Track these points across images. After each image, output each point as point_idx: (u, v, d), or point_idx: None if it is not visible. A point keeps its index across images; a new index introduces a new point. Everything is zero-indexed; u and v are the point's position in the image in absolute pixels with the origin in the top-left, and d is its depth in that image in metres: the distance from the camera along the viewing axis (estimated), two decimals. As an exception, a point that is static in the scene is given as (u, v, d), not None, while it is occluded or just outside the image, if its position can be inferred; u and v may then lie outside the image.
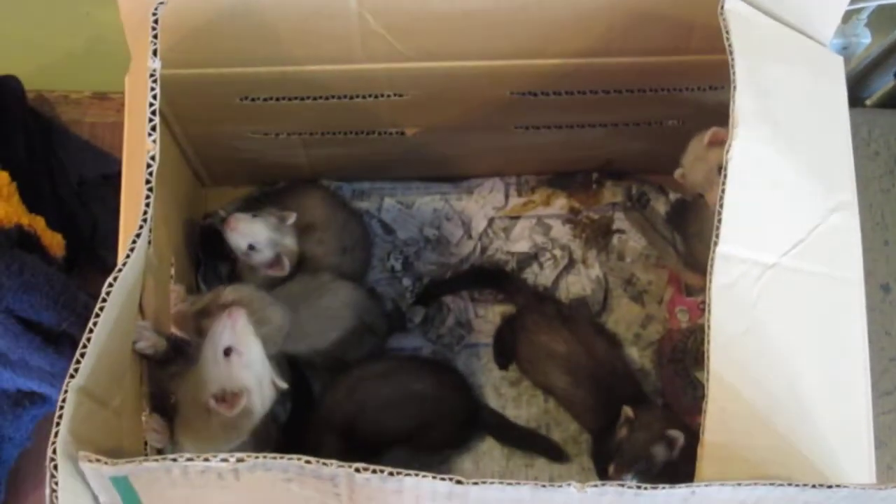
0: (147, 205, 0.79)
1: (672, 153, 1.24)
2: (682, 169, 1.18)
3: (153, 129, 0.81)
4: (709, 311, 0.87)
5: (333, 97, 1.14)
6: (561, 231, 1.50)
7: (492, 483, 0.76)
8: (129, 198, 0.98)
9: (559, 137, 1.32)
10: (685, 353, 1.45)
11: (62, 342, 1.21)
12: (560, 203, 1.51)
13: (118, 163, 1.42)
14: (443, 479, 0.75)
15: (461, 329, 1.44)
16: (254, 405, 1.03)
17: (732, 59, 0.88)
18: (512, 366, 1.43)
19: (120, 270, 0.78)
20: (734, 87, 0.88)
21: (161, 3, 0.84)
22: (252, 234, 1.21)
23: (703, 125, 1.17)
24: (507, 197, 1.52)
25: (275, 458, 0.75)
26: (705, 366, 0.87)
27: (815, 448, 0.91)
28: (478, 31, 1.04)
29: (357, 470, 0.75)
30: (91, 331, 0.77)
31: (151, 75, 0.81)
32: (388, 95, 1.15)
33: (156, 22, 0.83)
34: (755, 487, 0.77)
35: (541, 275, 1.48)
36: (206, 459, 0.75)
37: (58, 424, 0.75)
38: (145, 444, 0.99)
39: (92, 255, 1.39)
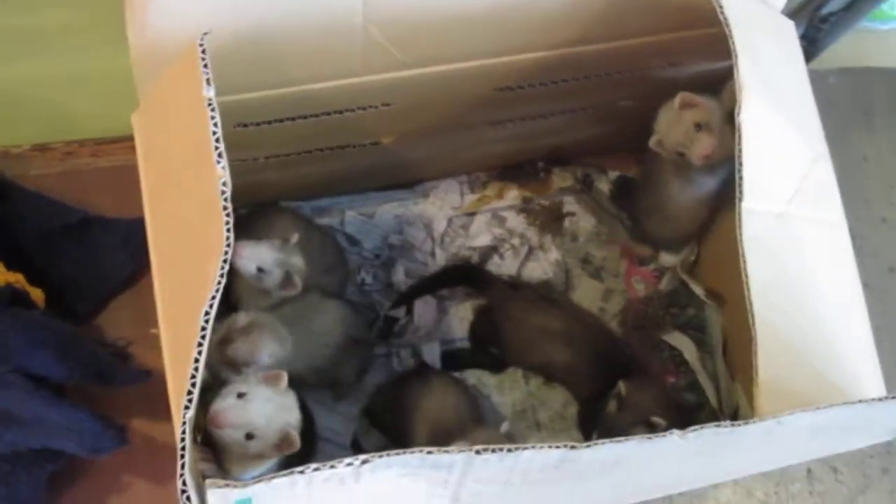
0: (228, 229, 0.80)
1: (617, 133, 1.31)
2: (657, 136, 1.25)
3: (220, 156, 0.82)
4: (744, 262, 0.95)
5: (326, 113, 1.15)
6: (516, 221, 1.56)
7: (602, 444, 0.80)
8: (157, 237, 0.97)
9: (520, 129, 1.37)
10: (646, 319, 1.54)
11: (72, 395, 1.18)
12: (512, 195, 1.58)
13: (78, 212, 1.41)
14: (557, 447, 0.80)
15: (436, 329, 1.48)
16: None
17: (730, 31, 0.96)
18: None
19: (213, 298, 0.79)
20: (735, 56, 0.95)
21: (206, 33, 0.84)
22: (259, 257, 1.20)
23: (655, 101, 1.25)
24: (461, 195, 1.57)
25: (397, 453, 0.78)
26: (748, 311, 0.94)
27: (839, 374, 1.00)
28: (474, 32, 1.07)
29: (477, 452, 0.79)
30: (197, 360, 0.78)
31: (209, 104, 0.82)
32: (377, 106, 1.17)
33: (203, 52, 0.84)
34: (829, 409, 0.85)
35: (503, 265, 1.54)
36: (333, 466, 0.77)
37: (182, 457, 0.76)
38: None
39: (64, 306, 1.35)
